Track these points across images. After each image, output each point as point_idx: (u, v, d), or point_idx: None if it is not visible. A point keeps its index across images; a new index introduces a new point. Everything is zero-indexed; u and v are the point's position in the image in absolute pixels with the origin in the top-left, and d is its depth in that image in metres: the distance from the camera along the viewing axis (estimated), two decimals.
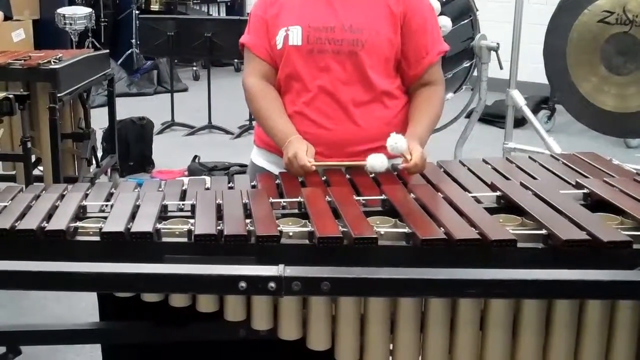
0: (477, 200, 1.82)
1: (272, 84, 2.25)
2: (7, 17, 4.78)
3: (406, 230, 1.63)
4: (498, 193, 1.85)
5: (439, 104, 2.27)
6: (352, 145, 2.19)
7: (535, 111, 5.84)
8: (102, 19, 8.49)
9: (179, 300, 1.59)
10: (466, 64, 4.95)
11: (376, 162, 1.99)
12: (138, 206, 1.76)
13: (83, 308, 3.35)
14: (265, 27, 2.24)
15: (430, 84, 2.25)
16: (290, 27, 2.18)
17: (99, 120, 4.81)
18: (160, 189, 1.95)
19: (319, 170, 2.05)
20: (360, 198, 1.84)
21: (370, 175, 2.04)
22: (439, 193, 1.85)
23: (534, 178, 2.01)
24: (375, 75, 2.18)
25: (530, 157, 2.23)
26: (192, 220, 1.69)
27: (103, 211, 1.79)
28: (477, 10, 4.89)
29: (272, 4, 2.24)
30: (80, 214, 1.76)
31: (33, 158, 3.95)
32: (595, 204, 1.81)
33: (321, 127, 2.18)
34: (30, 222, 1.66)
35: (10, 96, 3.51)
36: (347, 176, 2.04)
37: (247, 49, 2.28)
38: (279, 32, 2.19)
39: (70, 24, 7.61)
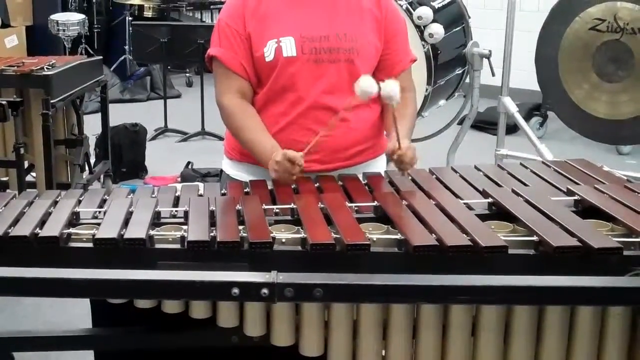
0: (469, 207, 1.83)
1: (248, 100, 2.23)
2: (3, 23, 4.79)
3: (398, 236, 1.63)
4: (490, 200, 1.86)
5: (414, 111, 2.32)
6: (348, 149, 2.23)
7: (527, 118, 5.85)
8: (95, 26, 8.48)
9: (171, 306, 1.59)
10: (458, 71, 4.97)
11: (366, 83, 1.96)
12: (131, 212, 1.77)
13: (76, 314, 3.34)
14: (242, 41, 2.18)
15: (403, 91, 2.27)
16: (281, 38, 2.15)
17: (92, 126, 4.80)
18: (154, 196, 1.95)
19: (311, 177, 2.06)
20: (353, 205, 1.84)
21: (364, 182, 2.05)
22: (431, 200, 1.86)
23: (526, 185, 2.02)
24: None
25: (521, 164, 2.24)
26: (185, 227, 1.69)
27: (96, 217, 1.80)
28: (469, 17, 4.92)
29: (251, 15, 2.18)
30: (74, 220, 1.77)
31: (26, 164, 3.94)
32: (586, 210, 1.82)
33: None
34: (24, 229, 1.66)
35: (3, 102, 3.51)
36: (340, 183, 2.04)
37: (222, 64, 2.21)
38: (267, 44, 2.15)
39: (64, 30, 7.59)
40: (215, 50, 2.22)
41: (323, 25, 2.18)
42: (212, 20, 9.37)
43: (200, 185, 2.08)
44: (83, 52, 7.87)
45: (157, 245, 1.65)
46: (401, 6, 4.36)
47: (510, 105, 4.75)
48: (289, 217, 1.79)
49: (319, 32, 2.17)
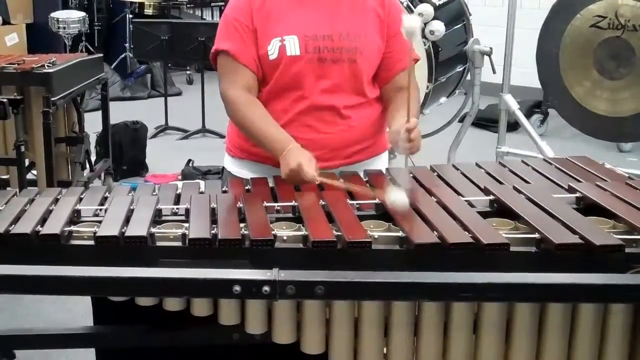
0: (471, 204, 1.83)
1: (255, 95, 2.20)
2: (4, 21, 4.79)
3: (400, 234, 1.63)
4: (491, 197, 1.86)
5: (417, 107, 2.28)
6: (348, 147, 2.23)
7: (528, 115, 5.85)
8: (96, 23, 8.49)
9: (173, 304, 1.59)
10: (459, 68, 4.96)
11: (397, 197, 1.83)
12: (132, 210, 1.77)
13: (77, 312, 3.34)
14: (251, 35, 2.17)
15: (404, 89, 2.25)
16: (285, 37, 2.14)
17: (92, 124, 4.80)
18: (154, 193, 1.95)
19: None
20: (354, 202, 1.84)
21: (365, 179, 2.05)
22: (433, 197, 1.86)
23: (527, 182, 2.02)
24: (367, 81, 2.23)
25: (523, 161, 2.24)
26: (186, 224, 1.69)
27: (97, 215, 1.79)
28: (470, 14, 4.91)
29: (257, 11, 2.17)
30: (75, 218, 1.76)
31: (27, 162, 3.94)
32: (587, 207, 1.81)
33: (318, 132, 2.19)
34: (25, 226, 1.66)
35: (4, 100, 3.51)
36: (341, 180, 2.04)
37: (232, 58, 2.18)
38: (271, 42, 2.15)
39: (64, 28, 7.61)
40: (225, 44, 2.19)
41: (326, 25, 2.17)
42: (212, 17, 9.37)
43: (201, 182, 2.08)
44: (83, 49, 7.88)
45: (158, 243, 1.65)
46: (402, 3, 4.36)
47: (511, 102, 4.74)
48: (290, 215, 1.79)
49: (322, 31, 2.16)
